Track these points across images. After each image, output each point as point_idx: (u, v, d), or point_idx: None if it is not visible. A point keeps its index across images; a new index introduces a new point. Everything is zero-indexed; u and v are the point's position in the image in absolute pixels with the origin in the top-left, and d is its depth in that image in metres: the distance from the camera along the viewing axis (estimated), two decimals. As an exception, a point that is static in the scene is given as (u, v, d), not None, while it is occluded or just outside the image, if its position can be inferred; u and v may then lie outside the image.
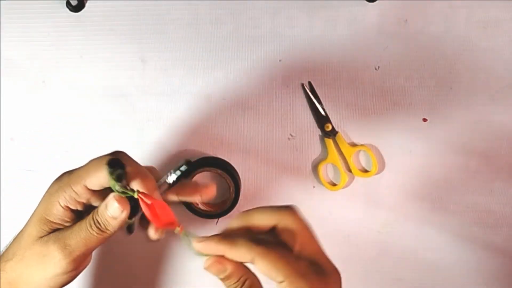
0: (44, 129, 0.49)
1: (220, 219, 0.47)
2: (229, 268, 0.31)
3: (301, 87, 0.50)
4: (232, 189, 0.45)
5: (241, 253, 0.30)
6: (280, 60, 0.50)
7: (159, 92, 0.50)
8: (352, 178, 0.48)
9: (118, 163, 0.31)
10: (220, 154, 0.49)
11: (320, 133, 0.49)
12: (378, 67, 0.50)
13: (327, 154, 0.48)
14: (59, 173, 0.50)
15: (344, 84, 0.50)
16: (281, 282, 0.30)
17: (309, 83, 0.49)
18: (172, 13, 0.50)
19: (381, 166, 0.48)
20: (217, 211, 0.46)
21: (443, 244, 0.48)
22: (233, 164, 0.48)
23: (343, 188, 0.48)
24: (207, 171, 0.46)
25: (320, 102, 0.49)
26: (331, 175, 0.49)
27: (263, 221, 0.33)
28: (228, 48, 0.50)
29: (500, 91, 0.49)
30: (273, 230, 0.33)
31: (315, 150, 0.49)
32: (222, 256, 0.31)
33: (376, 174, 0.48)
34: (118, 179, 0.31)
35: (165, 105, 0.49)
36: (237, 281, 0.31)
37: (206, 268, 0.31)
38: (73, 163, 0.48)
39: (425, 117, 0.49)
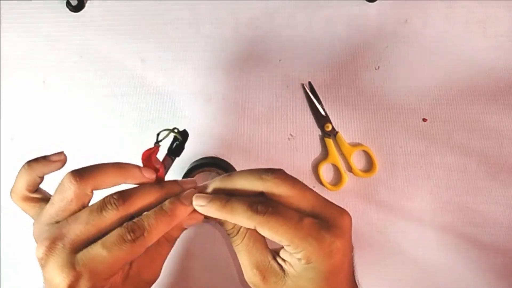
0: (44, 129, 0.49)
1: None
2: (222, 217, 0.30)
3: (301, 87, 0.50)
4: None
5: (242, 222, 0.29)
6: (280, 60, 0.50)
7: (159, 92, 0.50)
8: (352, 178, 0.48)
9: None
10: (220, 154, 0.49)
11: (320, 133, 0.49)
12: (378, 67, 0.50)
13: (327, 154, 0.48)
14: (59, 173, 0.50)
15: (344, 84, 0.50)
16: (287, 246, 0.29)
17: (309, 83, 0.49)
18: (172, 13, 0.50)
19: (381, 166, 0.48)
20: None
21: (444, 244, 0.48)
22: (233, 164, 0.48)
23: (343, 188, 0.48)
24: (207, 171, 0.46)
25: (320, 102, 0.49)
26: (331, 175, 0.49)
27: (247, 187, 0.31)
28: (228, 48, 0.50)
29: (500, 91, 0.49)
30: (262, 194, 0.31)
31: (315, 150, 0.49)
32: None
33: (376, 174, 0.48)
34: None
35: (165, 105, 0.49)
36: (232, 227, 0.31)
37: (200, 209, 0.31)
38: (73, 163, 0.48)
39: (425, 117, 0.49)
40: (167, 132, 0.35)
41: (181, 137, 0.36)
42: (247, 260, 0.30)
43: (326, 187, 0.48)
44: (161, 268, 0.33)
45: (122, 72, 0.50)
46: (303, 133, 0.49)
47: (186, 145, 0.36)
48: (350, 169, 0.48)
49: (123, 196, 0.30)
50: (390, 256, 0.48)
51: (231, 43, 0.50)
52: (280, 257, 0.30)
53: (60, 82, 0.50)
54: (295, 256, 0.29)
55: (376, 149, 0.49)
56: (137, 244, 0.29)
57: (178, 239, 0.33)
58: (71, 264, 0.28)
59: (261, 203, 0.29)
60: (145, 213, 0.31)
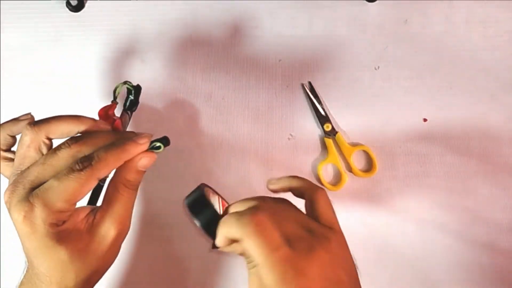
0: (44, 129, 0.49)
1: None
2: (239, 249, 0.31)
3: (301, 87, 0.50)
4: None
5: (232, 233, 0.30)
6: (280, 60, 0.50)
7: (159, 92, 0.50)
8: (352, 178, 0.49)
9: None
10: (221, 154, 0.49)
11: (320, 133, 0.49)
12: (378, 67, 0.50)
13: (327, 154, 0.48)
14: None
15: (344, 84, 0.50)
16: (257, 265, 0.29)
17: (309, 83, 0.49)
18: (172, 13, 0.50)
19: (381, 166, 0.48)
20: None
21: (444, 244, 0.48)
22: (233, 164, 0.48)
23: (343, 188, 0.48)
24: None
25: (320, 102, 0.49)
26: (331, 175, 0.49)
27: (235, 236, 0.30)
28: (228, 48, 0.50)
29: (500, 91, 0.49)
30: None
31: (315, 150, 0.49)
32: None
33: (376, 174, 0.48)
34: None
35: (165, 105, 0.49)
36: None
37: (221, 249, 0.32)
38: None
39: (425, 117, 0.49)
40: (120, 86, 0.37)
41: (133, 89, 0.39)
42: (257, 284, 0.31)
43: (326, 187, 0.48)
44: (128, 220, 0.34)
45: (121, 72, 0.50)
46: (303, 133, 0.49)
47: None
48: (350, 169, 0.48)
49: (76, 138, 0.32)
50: (390, 256, 0.48)
51: (231, 43, 0.50)
52: None
53: (60, 82, 0.50)
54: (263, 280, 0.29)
55: (376, 149, 0.49)
56: (85, 174, 0.30)
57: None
58: (26, 198, 0.30)
59: (250, 211, 0.30)
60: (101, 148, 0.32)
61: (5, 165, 0.36)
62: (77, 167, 0.30)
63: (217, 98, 0.49)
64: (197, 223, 0.33)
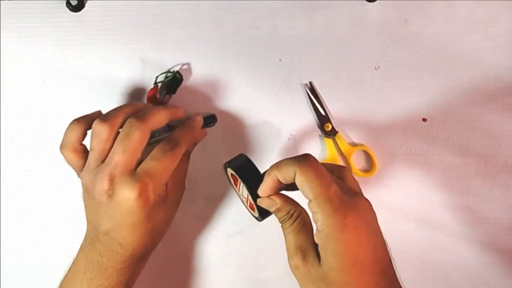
0: (44, 129, 0.49)
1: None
2: (279, 202, 0.35)
3: (301, 87, 0.50)
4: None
5: (286, 171, 0.32)
6: (280, 60, 0.50)
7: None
8: (352, 178, 0.48)
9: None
10: (220, 154, 0.49)
11: (320, 133, 0.49)
12: (378, 67, 0.50)
13: (327, 154, 0.48)
14: (59, 173, 0.50)
15: (344, 84, 0.50)
16: (310, 201, 0.32)
17: (309, 83, 0.49)
18: (172, 13, 0.50)
19: (381, 166, 0.48)
20: None
21: (443, 244, 0.48)
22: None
23: (343, 188, 0.48)
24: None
25: (320, 102, 0.49)
26: (331, 175, 0.49)
27: (290, 171, 0.33)
28: (228, 48, 0.50)
29: (500, 91, 0.49)
30: None
31: (315, 150, 0.49)
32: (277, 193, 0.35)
33: (376, 174, 0.48)
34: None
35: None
36: (286, 214, 0.34)
37: (259, 203, 0.36)
38: (73, 163, 0.48)
39: (425, 117, 0.49)
40: (165, 74, 0.48)
41: (179, 76, 0.48)
42: (292, 241, 0.34)
43: (326, 187, 0.48)
44: (184, 184, 0.44)
45: (122, 72, 0.50)
46: (303, 133, 0.49)
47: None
48: (350, 169, 0.48)
49: (140, 117, 0.38)
50: (390, 256, 0.48)
51: (231, 43, 0.50)
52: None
53: (60, 82, 0.50)
54: (314, 216, 0.32)
55: (376, 149, 0.49)
56: (175, 152, 0.39)
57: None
58: (136, 179, 0.36)
59: (302, 155, 0.33)
60: (176, 129, 0.42)
61: (78, 157, 0.40)
62: (168, 147, 0.38)
63: (217, 98, 0.49)
64: (245, 184, 0.37)
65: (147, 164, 0.37)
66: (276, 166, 0.33)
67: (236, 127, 0.49)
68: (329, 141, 0.48)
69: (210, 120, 0.47)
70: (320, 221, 0.31)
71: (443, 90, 0.49)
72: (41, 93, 0.50)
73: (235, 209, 0.48)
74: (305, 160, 0.32)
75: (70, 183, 0.48)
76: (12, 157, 0.49)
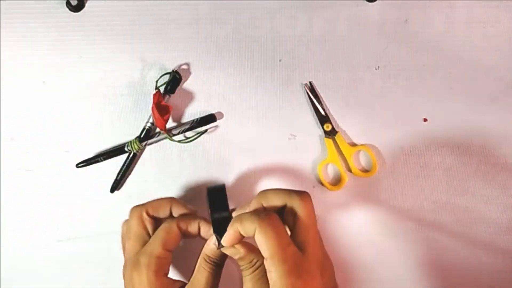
0: (44, 129, 0.49)
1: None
2: (242, 251, 0.36)
3: (301, 87, 0.50)
4: None
5: (247, 226, 0.33)
6: (280, 60, 0.50)
7: (159, 92, 0.49)
8: (352, 178, 0.49)
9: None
10: (221, 154, 0.49)
11: (320, 133, 0.49)
12: (378, 67, 0.50)
13: (327, 154, 0.48)
14: (59, 173, 0.50)
15: (344, 84, 0.50)
16: (265, 259, 0.33)
17: (309, 83, 0.49)
18: (172, 13, 0.50)
19: (381, 166, 0.48)
20: None
21: (443, 244, 0.48)
22: (233, 164, 0.48)
23: (343, 188, 0.48)
24: None
25: (320, 102, 0.49)
26: (331, 175, 0.49)
27: (276, 201, 0.36)
28: (228, 48, 0.50)
29: (500, 91, 0.49)
30: (282, 209, 0.36)
31: (315, 150, 0.49)
32: (242, 241, 0.36)
33: (376, 174, 0.48)
34: None
35: (165, 105, 0.49)
36: (248, 262, 0.36)
37: (224, 250, 0.37)
38: (73, 163, 0.48)
39: (425, 117, 0.49)
40: (166, 75, 0.48)
41: (178, 76, 0.49)
42: None
43: (326, 187, 0.48)
44: None
45: (122, 72, 0.50)
46: (303, 133, 0.49)
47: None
48: (350, 169, 0.48)
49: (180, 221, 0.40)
50: (390, 256, 0.48)
51: (231, 43, 0.50)
52: None
53: (60, 82, 0.50)
54: (268, 274, 0.33)
55: (376, 149, 0.49)
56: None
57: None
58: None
59: (265, 212, 0.34)
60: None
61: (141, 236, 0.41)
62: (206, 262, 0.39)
63: (217, 98, 0.49)
64: (211, 218, 0.38)
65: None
66: (239, 219, 0.34)
67: (236, 127, 0.49)
68: (329, 141, 0.48)
69: (209, 120, 0.48)
70: (272, 280, 0.32)
71: (443, 90, 0.49)
72: (41, 93, 0.50)
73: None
74: (266, 218, 0.33)
75: (70, 183, 0.48)
76: (12, 157, 0.49)
